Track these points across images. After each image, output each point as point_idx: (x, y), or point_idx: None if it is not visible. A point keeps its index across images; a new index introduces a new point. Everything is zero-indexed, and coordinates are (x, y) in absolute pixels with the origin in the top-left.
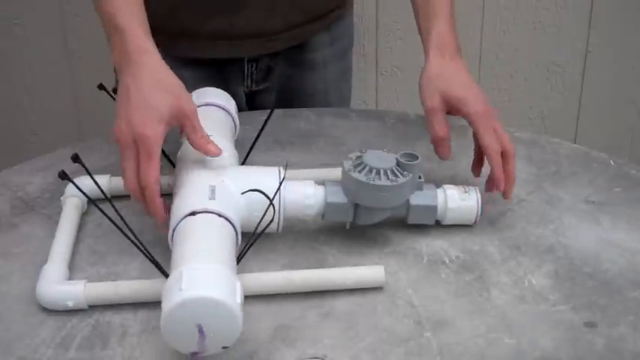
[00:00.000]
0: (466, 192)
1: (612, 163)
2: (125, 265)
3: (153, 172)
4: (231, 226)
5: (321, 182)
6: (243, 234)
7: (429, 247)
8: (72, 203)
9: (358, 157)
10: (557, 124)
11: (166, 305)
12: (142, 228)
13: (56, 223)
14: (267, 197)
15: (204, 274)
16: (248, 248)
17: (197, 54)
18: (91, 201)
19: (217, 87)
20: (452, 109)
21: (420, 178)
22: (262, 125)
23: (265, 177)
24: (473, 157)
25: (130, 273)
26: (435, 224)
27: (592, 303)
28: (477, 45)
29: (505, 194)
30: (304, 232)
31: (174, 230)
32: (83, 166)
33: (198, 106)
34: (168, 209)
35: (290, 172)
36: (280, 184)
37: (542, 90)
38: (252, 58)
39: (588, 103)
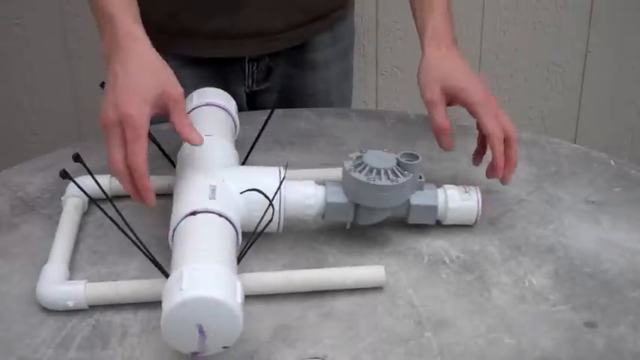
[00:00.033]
0: (466, 192)
1: (613, 163)
2: (125, 265)
3: (141, 152)
4: (231, 226)
5: (321, 182)
6: (244, 234)
7: (429, 247)
8: (72, 203)
9: (358, 157)
10: (557, 124)
11: (167, 305)
12: (142, 228)
13: (56, 223)
14: (267, 197)
15: (205, 274)
16: (248, 248)
17: (197, 53)
18: (92, 200)
19: (218, 87)
20: (452, 99)
21: (420, 178)
22: (262, 125)
23: (265, 177)
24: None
25: (130, 273)
26: (435, 224)
27: (592, 303)
28: (477, 45)
29: (504, 178)
30: (304, 232)
31: (174, 230)
32: (84, 165)
33: (199, 107)
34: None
35: (290, 172)
36: (280, 183)
37: (542, 90)
38: (253, 57)
39: (588, 103)
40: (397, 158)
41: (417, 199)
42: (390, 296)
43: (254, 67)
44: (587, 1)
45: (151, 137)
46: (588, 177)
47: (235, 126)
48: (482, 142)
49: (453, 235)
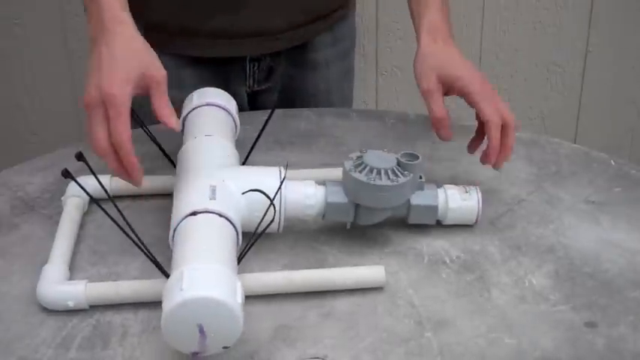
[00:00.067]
0: (467, 192)
1: (613, 163)
2: (126, 265)
3: (125, 130)
4: (231, 226)
5: (321, 182)
6: (244, 234)
7: (429, 247)
8: (73, 203)
9: (359, 157)
10: (557, 124)
11: (167, 305)
12: (142, 228)
13: (56, 223)
14: (268, 197)
15: (205, 274)
16: (249, 248)
17: (197, 53)
18: (94, 200)
19: (219, 87)
20: (449, 88)
21: (420, 178)
22: (263, 125)
23: (266, 177)
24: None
25: (130, 273)
26: (435, 224)
27: (592, 303)
28: (477, 45)
29: (497, 164)
30: (305, 232)
31: (174, 230)
32: (87, 164)
33: (199, 107)
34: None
35: (290, 172)
36: (281, 184)
37: (542, 90)
38: (254, 57)
39: (588, 103)
40: (397, 158)
41: (417, 199)
42: (390, 296)
43: (255, 67)
44: (587, 1)
45: (151, 137)
46: (588, 177)
47: (236, 126)
48: (481, 129)
49: (453, 235)
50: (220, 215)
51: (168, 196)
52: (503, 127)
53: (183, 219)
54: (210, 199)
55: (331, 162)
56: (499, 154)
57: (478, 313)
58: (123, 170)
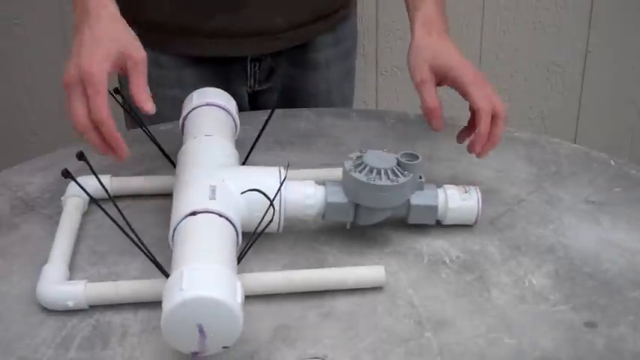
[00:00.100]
0: (466, 192)
1: (613, 163)
2: (126, 265)
3: (103, 106)
4: (231, 226)
5: (321, 182)
6: (244, 234)
7: (429, 247)
8: (73, 203)
9: (359, 157)
10: (557, 124)
11: (167, 305)
12: (142, 228)
13: (56, 223)
14: (268, 197)
15: (205, 274)
16: (248, 248)
17: (198, 52)
18: (94, 200)
19: (220, 87)
20: (442, 78)
21: (420, 178)
22: (263, 125)
23: (266, 177)
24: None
25: (130, 273)
26: (435, 224)
27: (592, 303)
28: (477, 45)
29: (482, 152)
30: (305, 232)
31: (174, 230)
32: (87, 163)
33: (199, 106)
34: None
35: (290, 172)
36: (281, 184)
37: (542, 90)
38: (255, 57)
39: (588, 103)
40: (397, 158)
41: (417, 199)
42: (390, 296)
43: (256, 67)
44: (587, 1)
45: (151, 137)
46: (588, 177)
47: (236, 126)
48: (472, 121)
49: (453, 235)
50: (220, 215)
51: (168, 196)
52: (493, 117)
53: (183, 219)
54: (210, 199)
55: (331, 162)
56: (486, 143)
57: (478, 313)
58: (106, 146)
